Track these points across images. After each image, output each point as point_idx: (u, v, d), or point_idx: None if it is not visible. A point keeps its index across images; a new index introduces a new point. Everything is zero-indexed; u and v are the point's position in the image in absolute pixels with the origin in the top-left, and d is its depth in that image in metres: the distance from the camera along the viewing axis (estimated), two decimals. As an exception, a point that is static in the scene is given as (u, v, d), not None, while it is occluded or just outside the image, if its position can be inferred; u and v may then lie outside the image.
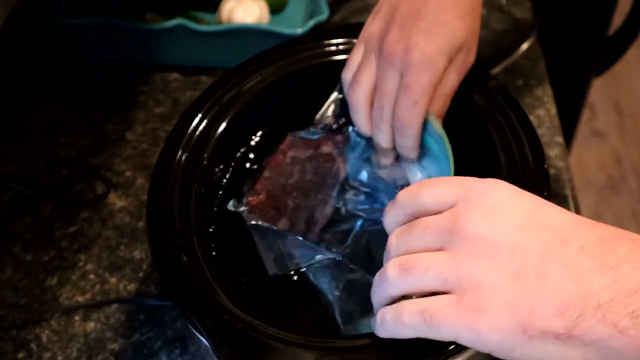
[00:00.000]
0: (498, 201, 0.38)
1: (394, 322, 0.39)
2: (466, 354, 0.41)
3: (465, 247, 0.37)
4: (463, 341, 0.37)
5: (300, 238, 0.53)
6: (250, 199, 0.53)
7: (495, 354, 0.36)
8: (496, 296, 0.36)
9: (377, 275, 0.41)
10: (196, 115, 0.56)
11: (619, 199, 1.77)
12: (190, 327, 0.45)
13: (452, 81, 0.54)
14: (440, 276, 0.37)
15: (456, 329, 0.36)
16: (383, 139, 0.55)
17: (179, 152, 0.54)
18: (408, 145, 0.55)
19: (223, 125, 0.57)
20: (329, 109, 0.59)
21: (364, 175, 0.57)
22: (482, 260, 0.36)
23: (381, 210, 0.53)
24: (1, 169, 0.73)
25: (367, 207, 0.56)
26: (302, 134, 0.58)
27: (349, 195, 0.56)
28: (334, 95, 0.59)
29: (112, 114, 0.79)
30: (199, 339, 0.45)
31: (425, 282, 0.38)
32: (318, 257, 0.52)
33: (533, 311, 0.35)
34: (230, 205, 0.54)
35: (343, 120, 0.59)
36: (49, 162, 0.74)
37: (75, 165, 0.74)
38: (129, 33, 0.80)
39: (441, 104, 0.54)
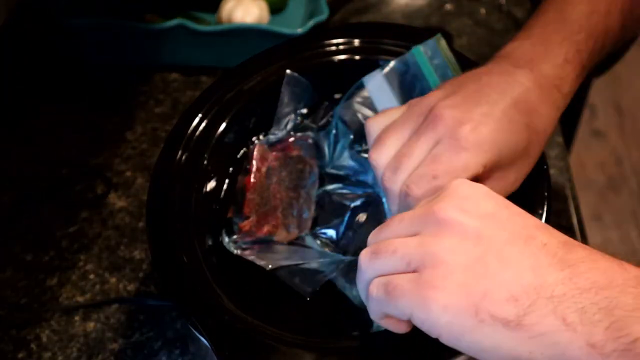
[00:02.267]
0: (470, 193, 0.39)
1: (365, 295, 0.40)
2: (464, 355, 0.41)
3: (434, 229, 0.38)
4: (416, 319, 0.37)
5: (310, 247, 0.54)
6: (241, 224, 0.53)
7: (444, 340, 0.36)
8: (453, 275, 0.36)
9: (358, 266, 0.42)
10: (196, 115, 0.56)
11: (619, 199, 1.77)
12: (191, 327, 0.45)
13: None
14: (405, 258, 0.38)
15: (411, 304, 0.37)
16: (391, 207, 0.49)
17: (179, 152, 0.54)
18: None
19: (223, 125, 0.57)
20: (284, 105, 0.59)
21: (348, 161, 0.57)
22: (446, 241, 0.37)
23: (364, 192, 0.55)
24: (1, 169, 0.73)
25: (349, 192, 0.56)
26: (270, 138, 0.58)
27: (330, 186, 0.57)
28: (286, 89, 0.58)
29: (112, 114, 0.79)
30: (199, 339, 0.45)
31: (392, 264, 0.38)
32: (335, 260, 0.53)
33: (486, 294, 0.35)
34: (225, 242, 0.53)
35: (304, 111, 0.59)
36: (49, 162, 0.74)
37: (75, 165, 0.74)
38: (129, 33, 0.80)
39: None
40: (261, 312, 0.46)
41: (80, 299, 0.63)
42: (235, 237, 0.53)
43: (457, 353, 0.41)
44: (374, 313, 0.40)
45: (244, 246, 0.53)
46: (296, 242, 0.54)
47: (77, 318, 0.62)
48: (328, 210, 0.56)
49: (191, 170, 0.54)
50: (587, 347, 0.33)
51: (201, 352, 0.55)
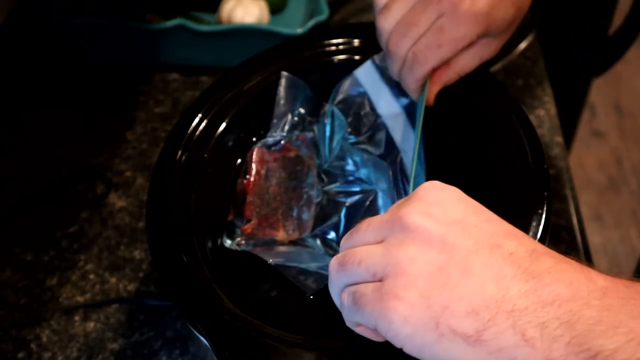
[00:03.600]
0: (439, 198, 0.38)
1: (338, 303, 0.40)
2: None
3: (399, 236, 0.37)
4: (380, 329, 0.36)
5: (309, 249, 0.54)
6: (243, 227, 0.53)
7: (407, 351, 0.36)
8: (414, 286, 0.35)
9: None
10: (196, 115, 0.56)
11: (619, 199, 1.77)
12: (191, 327, 0.45)
13: (470, 63, 0.54)
14: (370, 269, 0.37)
15: (374, 314, 0.36)
16: (392, 68, 0.54)
17: (179, 152, 0.54)
18: (410, 84, 0.54)
19: (223, 125, 0.57)
20: (280, 106, 0.59)
21: (346, 158, 0.57)
22: (410, 249, 0.36)
23: (360, 189, 0.56)
24: (1, 169, 0.73)
25: (345, 189, 0.56)
26: (268, 140, 0.58)
27: (328, 186, 0.57)
28: (281, 91, 0.59)
29: (112, 114, 0.79)
30: (199, 339, 0.45)
31: (358, 275, 0.38)
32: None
33: (447, 307, 0.34)
34: (227, 244, 0.53)
35: (302, 110, 0.59)
36: (49, 162, 0.74)
37: (75, 165, 0.74)
38: (129, 33, 0.80)
39: (445, 78, 0.54)
40: (261, 312, 0.46)
41: (80, 299, 0.63)
42: (238, 239, 0.53)
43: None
44: (347, 321, 0.39)
45: (246, 249, 0.53)
46: (298, 243, 0.54)
47: (77, 318, 0.62)
48: (326, 209, 0.56)
49: (191, 170, 0.54)
50: None
51: (201, 352, 0.55)
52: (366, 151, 0.57)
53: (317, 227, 0.55)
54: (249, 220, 0.53)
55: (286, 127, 0.58)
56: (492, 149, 0.53)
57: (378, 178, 0.56)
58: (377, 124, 0.57)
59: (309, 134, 0.59)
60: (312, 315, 0.51)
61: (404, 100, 0.57)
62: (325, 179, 0.57)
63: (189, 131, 0.55)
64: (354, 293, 0.38)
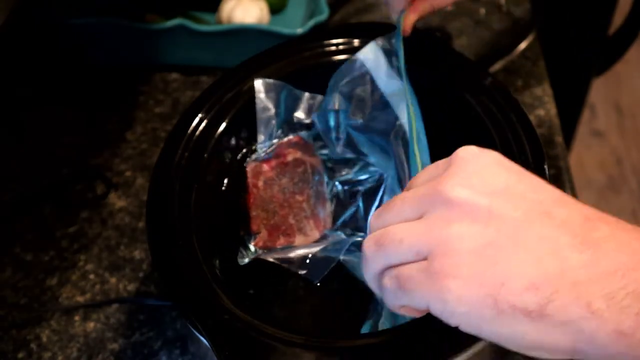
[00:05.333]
0: (480, 168, 0.36)
1: (378, 288, 0.38)
2: (465, 355, 0.42)
3: (442, 212, 0.35)
4: (434, 311, 0.35)
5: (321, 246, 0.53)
6: (254, 242, 0.53)
7: (463, 329, 0.35)
8: (466, 263, 0.34)
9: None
10: (196, 115, 0.56)
11: (619, 199, 1.77)
12: (191, 327, 0.45)
13: None
14: (413, 247, 0.36)
15: (426, 296, 0.35)
16: None
17: (179, 152, 0.54)
18: (396, 4, 0.58)
19: (223, 125, 0.57)
20: (261, 113, 0.58)
21: (353, 141, 0.57)
22: (455, 225, 0.35)
23: (372, 176, 0.55)
24: (1, 169, 0.73)
25: (358, 177, 0.56)
26: (260, 153, 0.58)
27: (342, 176, 0.56)
28: (258, 98, 0.58)
29: (112, 114, 0.79)
30: (199, 339, 0.45)
31: (400, 255, 0.36)
32: (347, 243, 0.52)
33: (504, 283, 0.33)
34: (245, 262, 0.52)
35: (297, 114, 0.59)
36: (49, 162, 0.74)
37: (75, 165, 0.74)
38: (129, 33, 0.80)
39: (421, 9, 0.57)
40: (261, 312, 0.46)
41: (80, 299, 0.63)
42: (254, 253, 0.52)
43: (459, 352, 0.41)
44: (390, 305, 0.38)
45: (265, 257, 0.52)
46: (321, 242, 0.54)
47: (77, 318, 0.62)
48: (343, 201, 0.55)
49: (191, 170, 0.54)
50: (616, 335, 0.31)
51: (201, 351, 0.55)
52: (373, 134, 0.56)
53: (337, 220, 0.55)
54: (257, 234, 0.53)
55: (275, 133, 0.58)
56: (492, 149, 0.53)
57: (387, 161, 0.55)
58: (381, 103, 0.57)
59: (303, 133, 0.59)
60: (313, 314, 0.51)
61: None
62: (336, 170, 0.57)
63: (189, 131, 0.55)
64: (398, 276, 0.36)
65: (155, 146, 0.75)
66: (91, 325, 0.61)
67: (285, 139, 0.58)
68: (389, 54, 0.57)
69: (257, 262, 0.53)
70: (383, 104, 0.57)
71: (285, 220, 0.54)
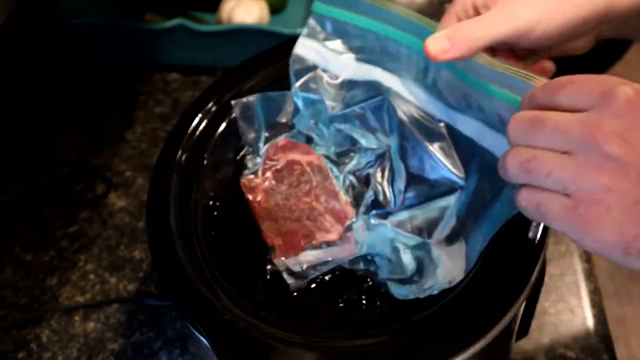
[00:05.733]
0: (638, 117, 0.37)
1: (517, 203, 0.40)
2: (465, 355, 0.42)
3: (593, 160, 0.36)
4: (568, 236, 0.38)
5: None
6: (274, 257, 0.52)
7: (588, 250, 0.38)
8: (609, 215, 0.36)
9: (501, 160, 0.41)
10: (196, 115, 0.56)
11: (619, 199, 1.76)
12: (191, 327, 0.45)
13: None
14: (560, 183, 0.37)
15: (564, 229, 0.38)
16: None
17: (179, 152, 0.54)
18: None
19: (223, 125, 0.57)
20: (246, 134, 0.58)
21: (342, 131, 0.55)
22: (606, 177, 0.36)
23: (376, 155, 0.53)
24: (1, 169, 0.74)
25: (364, 159, 0.55)
26: (250, 172, 0.57)
27: (346, 166, 0.55)
28: (239, 120, 0.57)
29: (112, 114, 0.79)
30: (199, 338, 0.45)
31: (545, 184, 0.38)
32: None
33: (638, 235, 0.35)
34: (292, 282, 0.51)
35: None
36: (49, 162, 0.74)
37: (75, 165, 0.74)
38: (129, 33, 0.80)
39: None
40: (261, 312, 0.46)
41: (80, 299, 0.63)
42: (287, 265, 0.52)
43: (459, 352, 0.41)
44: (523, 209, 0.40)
45: (302, 268, 0.51)
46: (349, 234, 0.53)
47: (77, 318, 0.62)
48: (358, 188, 0.54)
49: (191, 170, 0.54)
50: None
51: (201, 351, 0.55)
52: (356, 118, 0.55)
53: (359, 208, 0.54)
54: (273, 247, 0.52)
55: (263, 147, 0.57)
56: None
57: (383, 138, 0.54)
58: (344, 84, 0.55)
59: (289, 134, 0.57)
60: (312, 315, 0.51)
61: (356, 44, 0.55)
62: (340, 163, 0.56)
63: (189, 131, 0.55)
64: (540, 204, 0.38)
65: (155, 146, 0.75)
66: (91, 325, 0.61)
67: (272, 145, 0.57)
68: (323, 34, 0.55)
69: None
70: (350, 86, 0.56)
71: (300, 224, 0.53)
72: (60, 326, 0.61)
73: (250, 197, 0.55)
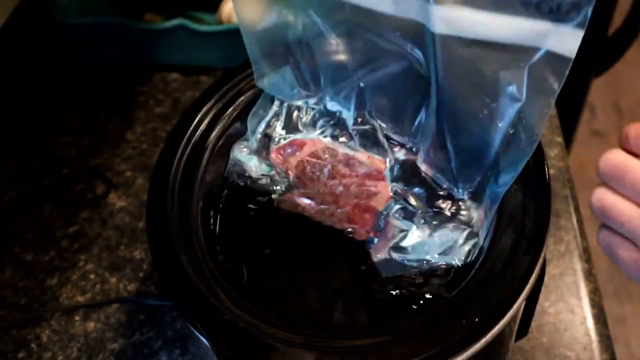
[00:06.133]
0: None
1: (597, 238, 0.44)
2: (465, 355, 0.42)
3: None
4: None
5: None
6: (376, 247, 0.51)
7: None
8: None
9: (592, 195, 0.46)
10: (196, 115, 0.56)
11: (619, 199, 1.76)
12: (191, 327, 0.45)
13: None
14: (631, 234, 0.41)
15: (631, 276, 0.42)
16: None
17: (179, 152, 0.54)
18: None
19: (223, 125, 0.57)
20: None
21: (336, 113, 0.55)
22: None
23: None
24: (1, 169, 0.74)
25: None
26: (276, 190, 0.56)
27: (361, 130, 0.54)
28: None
29: (112, 114, 0.79)
30: (199, 338, 0.45)
31: (620, 231, 0.42)
32: None
33: None
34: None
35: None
36: (49, 162, 0.74)
37: (75, 165, 0.74)
38: (129, 33, 0.80)
39: None
40: (261, 312, 0.46)
41: (80, 298, 0.63)
42: (395, 255, 0.51)
43: (459, 352, 0.41)
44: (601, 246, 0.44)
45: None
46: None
47: (77, 318, 0.62)
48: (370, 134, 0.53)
49: (191, 171, 0.54)
50: None
51: (201, 351, 0.55)
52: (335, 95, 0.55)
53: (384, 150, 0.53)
54: (371, 238, 0.51)
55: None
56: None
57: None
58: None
59: (295, 136, 0.57)
60: (312, 315, 0.51)
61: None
62: (355, 131, 0.54)
63: (189, 131, 0.55)
64: (612, 248, 0.42)
65: (155, 146, 0.75)
66: (91, 325, 0.61)
67: (277, 161, 0.56)
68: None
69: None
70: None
71: (354, 205, 0.52)
72: (61, 326, 0.61)
73: (299, 211, 0.54)
